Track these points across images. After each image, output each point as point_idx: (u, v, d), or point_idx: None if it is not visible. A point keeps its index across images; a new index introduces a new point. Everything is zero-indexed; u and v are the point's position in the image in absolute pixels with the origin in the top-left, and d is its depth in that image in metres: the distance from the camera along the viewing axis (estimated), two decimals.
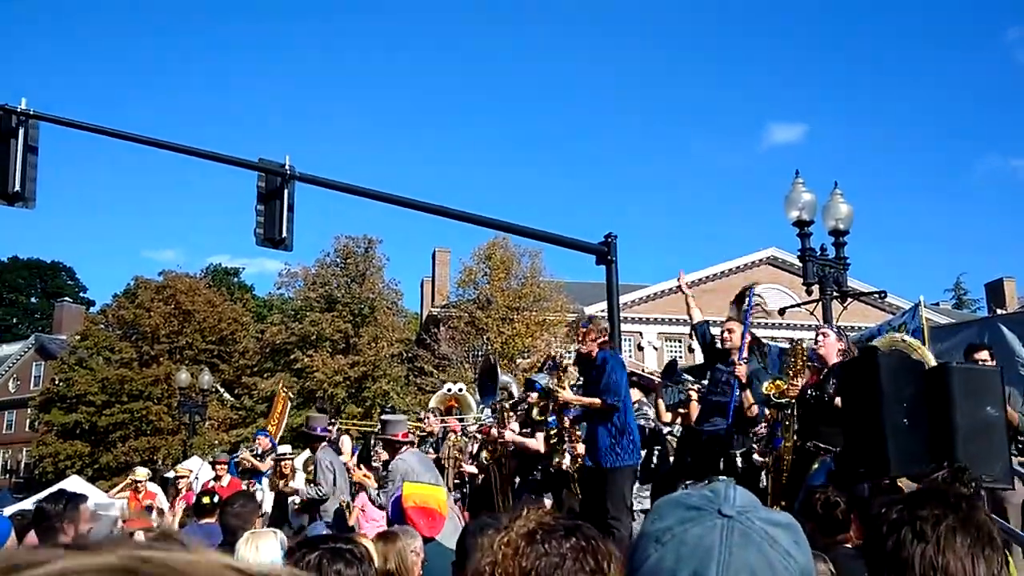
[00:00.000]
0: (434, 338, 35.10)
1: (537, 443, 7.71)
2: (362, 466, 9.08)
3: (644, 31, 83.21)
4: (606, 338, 6.84)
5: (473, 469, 9.63)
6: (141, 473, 12.17)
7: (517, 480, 8.18)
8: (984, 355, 7.00)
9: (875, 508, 1.70)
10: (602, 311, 18.08)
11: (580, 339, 6.84)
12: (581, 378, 7.30)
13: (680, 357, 30.11)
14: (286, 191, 10.74)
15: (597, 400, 6.61)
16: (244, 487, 9.97)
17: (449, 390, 14.18)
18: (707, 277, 38.13)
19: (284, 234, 10.72)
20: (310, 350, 34.68)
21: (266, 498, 10.09)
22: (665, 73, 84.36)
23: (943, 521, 1.49)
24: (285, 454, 10.04)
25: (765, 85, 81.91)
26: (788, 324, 25.23)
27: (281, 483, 9.37)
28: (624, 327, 14.52)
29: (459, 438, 11.29)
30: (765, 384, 6.37)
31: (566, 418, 7.34)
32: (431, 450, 10.86)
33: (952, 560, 1.45)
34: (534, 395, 8.11)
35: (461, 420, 12.60)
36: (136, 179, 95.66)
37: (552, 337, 33.17)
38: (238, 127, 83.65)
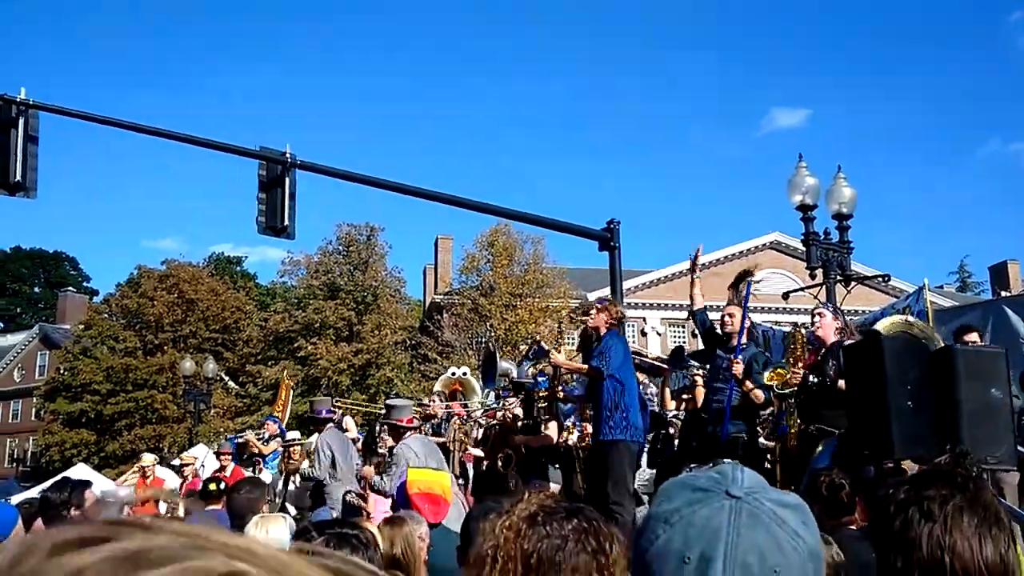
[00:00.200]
0: (437, 325, 35.13)
1: (551, 431, 7.76)
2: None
3: (645, 16, 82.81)
4: (616, 323, 6.74)
5: (479, 453, 9.67)
6: (148, 459, 12.06)
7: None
8: (974, 336, 6.98)
9: (882, 489, 1.70)
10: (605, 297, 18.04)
11: (594, 313, 6.75)
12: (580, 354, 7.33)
13: (684, 343, 30.12)
14: (287, 179, 10.74)
15: (585, 366, 6.59)
16: (248, 473, 10.02)
17: (453, 374, 14.15)
18: (711, 262, 38.08)
19: (286, 222, 10.73)
20: (314, 338, 34.75)
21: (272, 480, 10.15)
22: (667, 59, 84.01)
23: (950, 501, 1.49)
24: (293, 440, 10.10)
25: (768, 70, 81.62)
26: (792, 308, 25.24)
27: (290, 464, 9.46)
28: (627, 313, 14.50)
29: (465, 422, 11.31)
30: (767, 374, 6.35)
31: (559, 390, 7.41)
32: (430, 430, 10.89)
33: (959, 539, 1.45)
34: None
35: (465, 406, 12.61)
36: (137, 168, 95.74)
37: (555, 323, 33.18)
38: (239, 116, 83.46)
